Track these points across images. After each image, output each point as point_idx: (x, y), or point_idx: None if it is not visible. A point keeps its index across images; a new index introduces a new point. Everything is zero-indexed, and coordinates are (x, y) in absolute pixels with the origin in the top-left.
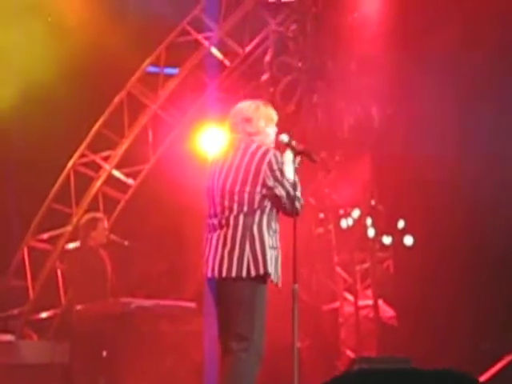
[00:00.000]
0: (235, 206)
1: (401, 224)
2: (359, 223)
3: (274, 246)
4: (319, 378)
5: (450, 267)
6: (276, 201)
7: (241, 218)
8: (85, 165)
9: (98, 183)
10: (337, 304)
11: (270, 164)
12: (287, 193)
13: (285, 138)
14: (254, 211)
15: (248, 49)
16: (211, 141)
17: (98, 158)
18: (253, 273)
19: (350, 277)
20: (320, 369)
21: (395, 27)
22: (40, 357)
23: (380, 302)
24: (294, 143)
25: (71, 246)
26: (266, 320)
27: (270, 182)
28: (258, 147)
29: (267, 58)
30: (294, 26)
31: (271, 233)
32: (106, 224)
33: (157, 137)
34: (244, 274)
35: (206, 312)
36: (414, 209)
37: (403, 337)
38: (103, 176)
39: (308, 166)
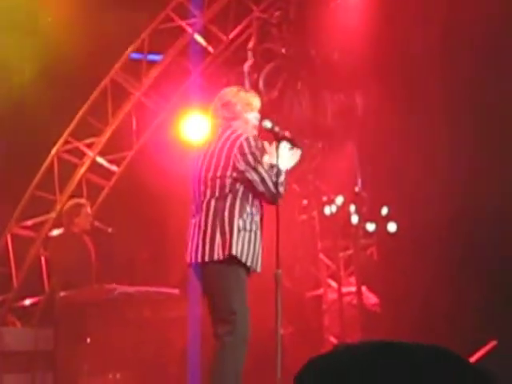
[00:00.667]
0: (208, 192)
1: (384, 211)
2: (343, 210)
3: (248, 228)
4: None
5: (434, 254)
6: (249, 185)
7: (212, 202)
8: (68, 151)
9: (82, 170)
10: (320, 291)
11: (240, 148)
12: (262, 178)
13: (268, 123)
14: (226, 195)
15: (232, 35)
16: (195, 128)
17: (81, 145)
18: (221, 256)
19: (333, 263)
20: (303, 355)
21: (379, 14)
22: (24, 344)
23: (363, 288)
24: (277, 129)
25: (55, 232)
26: (246, 303)
27: (241, 166)
28: (233, 132)
29: (250, 44)
30: (277, 13)
31: (245, 216)
32: (89, 210)
33: (140, 124)
34: (215, 257)
35: (189, 298)
36: (398, 196)
37: (387, 323)
38: (87, 163)
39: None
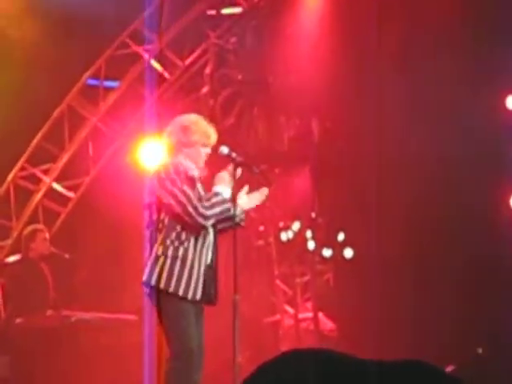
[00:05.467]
0: (151, 217)
1: (341, 236)
2: (299, 236)
3: (170, 255)
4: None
5: (389, 279)
6: (168, 210)
7: (150, 231)
8: (25, 178)
9: (38, 196)
10: (277, 317)
11: (159, 174)
12: (178, 201)
13: (225, 149)
14: (157, 222)
15: (188, 61)
16: (151, 154)
17: (38, 171)
18: (144, 282)
19: (290, 289)
20: None
21: (334, 40)
22: None
23: (320, 314)
24: (234, 155)
25: (11, 259)
26: (186, 328)
27: (158, 191)
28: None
29: (207, 70)
30: (233, 39)
31: (168, 242)
32: (47, 235)
33: (97, 150)
34: (145, 282)
35: (146, 324)
36: (354, 221)
37: (343, 349)
38: (43, 189)
39: (248, 178)
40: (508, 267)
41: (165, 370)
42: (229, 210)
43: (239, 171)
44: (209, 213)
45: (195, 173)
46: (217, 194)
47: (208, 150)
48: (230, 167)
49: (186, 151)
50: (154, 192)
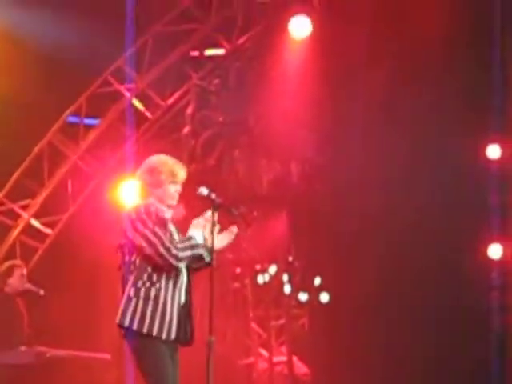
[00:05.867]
0: (121, 261)
1: (317, 281)
2: (276, 279)
3: (142, 296)
4: None
5: (364, 325)
6: (140, 251)
7: (122, 271)
8: (3, 213)
9: (16, 232)
10: (251, 359)
11: (130, 215)
12: (150, 242)
13: (204, 191)
14: (129, 263)
15: (170, 101)
16: (130, 193)
17: (16, 207)
18: (118, 323)
19: (264, 332)
20: None
21: (317, 84)
22: None
23: (294, 358)
24: (213, 196)
25: None
26: (160, 366)
27: (130, 233)
28: (138, 204)
29: (189, 110)
30: (216, 81)
31: (139, 284)
32: (24, 271)
33: (76, 187)
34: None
35: (124, 363)
36: (330, 266)
37: None
38: (21, 225)
39: (226, 219)
40: (480, 313)
41: None
42: (201, 256)
43: (215, 216)
44: (181, 254)
45: (167, 214)
46: (190, 239)
47: (178, 188)
48: (208, 213)
49: (154, 192)
50: (125, 233)
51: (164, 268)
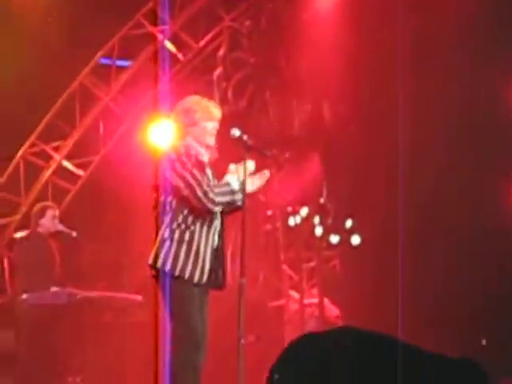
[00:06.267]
0: (160, 199)
1: (349, 223)
2: (307, 221)
3: (176, 238)
4: (264, 374)
5: (396, 267)
6: (176, 193)
7: (157, 211)
8: (35, 154)
9: (48, 173)
10: (282, 301)
11: (169, 155)
12: (187, 184)
13: (236, 132)
14: (164, 204)
15: (202, 43)
16: (162, 134)
17: (48, 148)
18: (150, 263)
19: (296, 275)
20: (265, 366)
21: (349, 27)
22: None
23: (325, 300)
24: (245, 137)
25: (19, 234)
26: (190, 310)
27: (168, 173)
28: (177, 144)
29: (220, 52)
30: (248, 22)
31: (174, 225)
32: (56, 213)
33: (108, 129)
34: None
35: (153, 304)
36: (362, 208)
37: None
38: (53, 166)
39: (259, 161)
40: None
41: (170, 351)
42: (235, 202)
43: (252, 164)
44: (218, 199)
45: (205, 158)
46: (227, 184)
47: (215, 124)
48: (246, 163)
49: (191, 131)
50: (162, 173)
51: (200, 211)
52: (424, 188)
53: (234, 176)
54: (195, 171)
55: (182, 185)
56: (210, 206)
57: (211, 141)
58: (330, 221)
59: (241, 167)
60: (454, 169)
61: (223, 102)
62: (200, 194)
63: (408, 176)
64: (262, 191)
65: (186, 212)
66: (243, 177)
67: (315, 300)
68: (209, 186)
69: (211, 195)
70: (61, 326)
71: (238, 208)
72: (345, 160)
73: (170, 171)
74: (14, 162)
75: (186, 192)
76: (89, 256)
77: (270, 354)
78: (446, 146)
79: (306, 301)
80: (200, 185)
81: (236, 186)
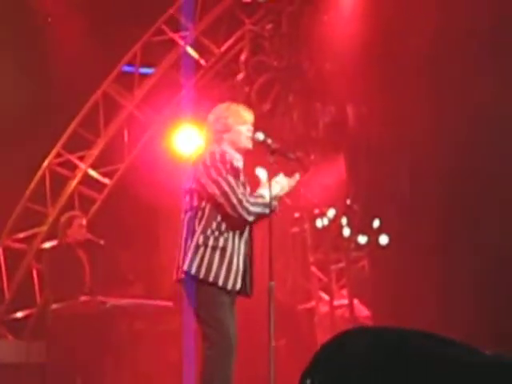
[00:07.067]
0: (188, 205)
1: (376, 223)
2: (334, 223)
3: (210, 244)
4: (295, 378)
5: (425, 266)
6: (211, 199)
7: (187, 216)
8: (60, 164)
9: (74, 183)
10: (312, 303)
11: (204, 161)
12: (223, 192)
13: (260, 136)
14: (197, 209)
15: (224, 48)
16: (186, 140)
17: (73, 158)
18: (182, 273)
19: (325, 276)
20: (296, 368)
21: (371, 27)
22: (15, 356)
23: (355, 301)
24: (269, 141)
25: (48, 245)
26: (223, 316)
27: (203, 179)
28: (214, 148)
29: (243, 57)
30: (269, 26)
31: (209, 232)
32: (83, 222)
33: (132, 136)
34: (181, 275)
35: (183, 311)
36: (389, 208)
37: None
38: (79, 175)
39: (284, 165)
40: None
41: (202, 358)
42: (265, 215)
43: (264, 173)
44: (252, 209)
45: (240, 163)
46: (262, 196)
47: (249, 127)
48: (279, 177)
49: (226, 137)
50: (196, 178)
51: (232, 218)
52: (448, 187)
53: (266, 190)
54: (230, 178)
55: (216, 191)
56: (243, 214)
57: (248, 143)
58: (357, 221)
59: (272, 181)
60: (481, 167)
61: (246, 106)
62: (235, 201)
63: (432, 175)
64: (288, 194)
65: (219, 218)
66: (269, 183)
67: (345, 301)
68: (244, 194)
69: (245, 204)
70: (92, 336)
71: (265, 215)
72: (370, 160)
73: (205, 177)
74: (40, 172)
75: (220, 199)
76: (117, 264)
77: (302, 358)
78: (472, 146)
79: (335, 302)
80: (235, 192)
81: (268, 199)
